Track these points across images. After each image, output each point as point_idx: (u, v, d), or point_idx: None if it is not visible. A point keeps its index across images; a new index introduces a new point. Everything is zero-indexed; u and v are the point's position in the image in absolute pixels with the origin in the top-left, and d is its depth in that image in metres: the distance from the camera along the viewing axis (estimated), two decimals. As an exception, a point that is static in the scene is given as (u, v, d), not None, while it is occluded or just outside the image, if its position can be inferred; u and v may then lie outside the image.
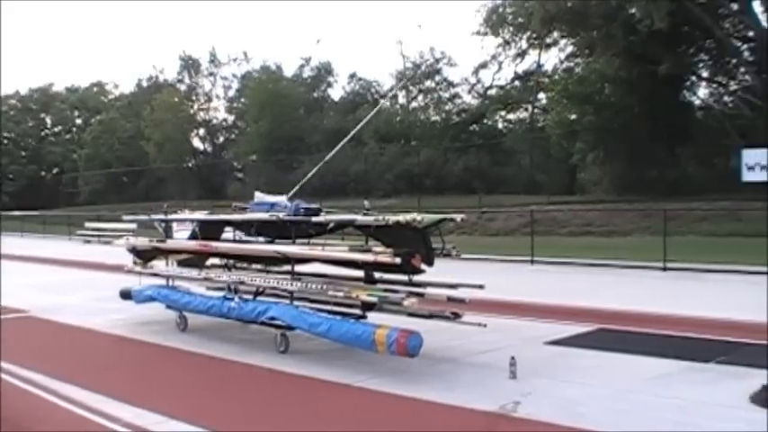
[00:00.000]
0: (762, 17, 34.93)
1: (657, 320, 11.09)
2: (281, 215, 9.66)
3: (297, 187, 11.53)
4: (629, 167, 34.73)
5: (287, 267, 10.01)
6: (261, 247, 10.32)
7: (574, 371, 8.16)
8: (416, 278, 8.72)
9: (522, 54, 46.16)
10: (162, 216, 12.54)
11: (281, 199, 10.36)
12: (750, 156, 26.33)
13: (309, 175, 11.82)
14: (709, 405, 6.79)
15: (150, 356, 9.78)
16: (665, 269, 17.54)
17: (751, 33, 35.91)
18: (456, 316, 8.76)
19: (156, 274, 12.06)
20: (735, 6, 35.74)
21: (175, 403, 7.31)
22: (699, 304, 12.46)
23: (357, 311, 8.92)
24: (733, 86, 39.72)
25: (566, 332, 10.33)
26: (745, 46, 37.38)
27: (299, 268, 10.01)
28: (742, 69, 38.53)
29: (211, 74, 64.74)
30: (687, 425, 6.24)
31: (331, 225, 9.62)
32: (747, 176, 25.99)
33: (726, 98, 40.80)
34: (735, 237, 21.97)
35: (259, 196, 10.86)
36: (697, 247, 19.89)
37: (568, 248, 21.69)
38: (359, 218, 8.99)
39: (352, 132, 13.40)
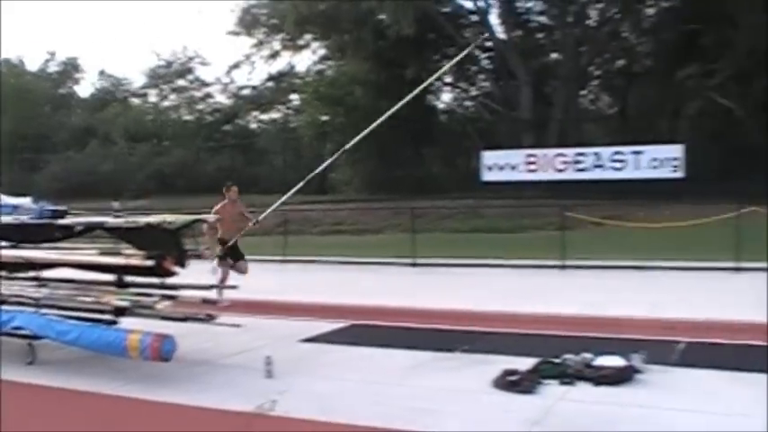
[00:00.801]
0: (498, 29, 37.35)
1: (407, 314, 11.54)
2: (25, 218, 9.21)
3: (300, 184, 11.22)
4: (378, 167, 35.89)
5: (33, 273, 9.53)
6: (3, 252, 9.74)
7: (328, 367, 8.36)
8: (169, 281, 8.59)
9: (275, 55, 46.39)
10: None
11: (26, 201, 9.86)
12: (489, 157, 28.26)
13: (322, 167, 11.65)
14: (455, 391, 7.20)
15: None
16: (414, 265, 18.24)
17: (489, 43, 38.25)
18: (210, 318, 8.69)
19: None
20: (474, 17, 37.92)
21: None
22: (445, 297, 13.08)
23: (109, 317, 8.63)
24: (474, 92, 42.15)
25: (320, 329, 10.53)
26: (484, 55, 39.75)
27: (47, 274, 9.56)
28: (482, 76, 40.97)
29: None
30: (434, 411, 6.58)
31: (79, 228, 9.26)
32: (487, 176, 27.84)
33: (467, 103, 43.23)
34: (477, 233, 23.28)
35: (1, 198, 10.26)
36: (443, 243, 20.89)
37: (321, 247, 22.06)
38: (109, 220, 8.74)
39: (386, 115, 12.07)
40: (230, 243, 12.19)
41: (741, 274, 14.91)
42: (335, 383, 7.61)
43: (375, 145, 35.77)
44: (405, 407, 6.75)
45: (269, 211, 12.56)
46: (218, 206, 12.54)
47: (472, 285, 15.10)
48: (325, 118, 39.24)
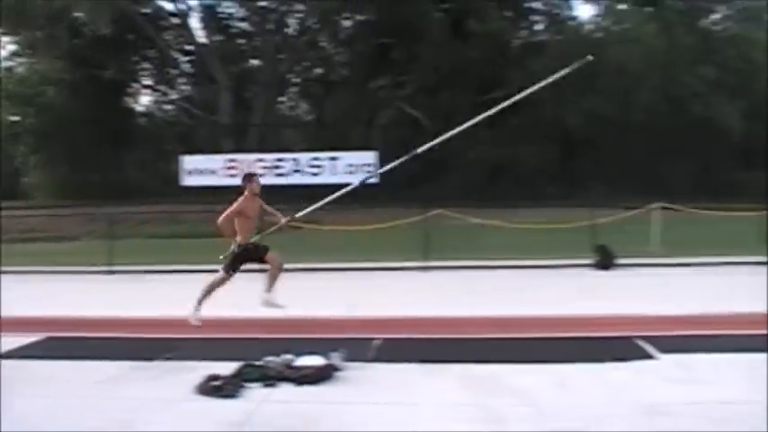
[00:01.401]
0: (199, 32, 37.29)
1: (105, 324, 11.29)
2: None
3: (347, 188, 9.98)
4: (73, 171, 34.54)
5: None
6: None
7: (23, 383, 8.00)
8: None
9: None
10: None
11: None
12: (189, 162, 28.23)
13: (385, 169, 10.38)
14: (156, 400, 7.21)
15: None
16: (111, 272, 17.81)
17: (190, 47, 38.08)
18: None
19: None
20: (176, 20, 37.58)
21: None
22: (143, 305, 12.94)
23: None
24: (173, 95, 41.73)
25: (12, 344, 10.04)
26: (185, 58, 39.53)
27: None
28: (182, 80, 40.68)
29: None
30: (134, 421, 6.58)
31: None
32: (187, 181, 27.79)
33: (167, 106, 42.75)
34: (176, 238, 23.13)
35: None
36: (141, 249, 20.56)
37: (13, 256, 20.88)
38: None
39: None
40: (246, 244, 11.40)
41: (428, 273, 16.07)
42: (32, 401, 7.32)
43: (67, 148, 34.42)
44: (105, 419, 6.67)
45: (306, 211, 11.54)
46: (241, 202, 11.29)
47: (170, 292, 15.02)
48: (15, 118, 37.18)
